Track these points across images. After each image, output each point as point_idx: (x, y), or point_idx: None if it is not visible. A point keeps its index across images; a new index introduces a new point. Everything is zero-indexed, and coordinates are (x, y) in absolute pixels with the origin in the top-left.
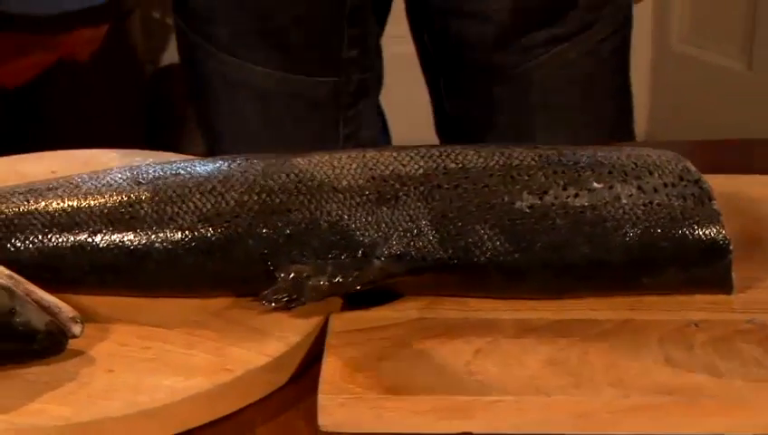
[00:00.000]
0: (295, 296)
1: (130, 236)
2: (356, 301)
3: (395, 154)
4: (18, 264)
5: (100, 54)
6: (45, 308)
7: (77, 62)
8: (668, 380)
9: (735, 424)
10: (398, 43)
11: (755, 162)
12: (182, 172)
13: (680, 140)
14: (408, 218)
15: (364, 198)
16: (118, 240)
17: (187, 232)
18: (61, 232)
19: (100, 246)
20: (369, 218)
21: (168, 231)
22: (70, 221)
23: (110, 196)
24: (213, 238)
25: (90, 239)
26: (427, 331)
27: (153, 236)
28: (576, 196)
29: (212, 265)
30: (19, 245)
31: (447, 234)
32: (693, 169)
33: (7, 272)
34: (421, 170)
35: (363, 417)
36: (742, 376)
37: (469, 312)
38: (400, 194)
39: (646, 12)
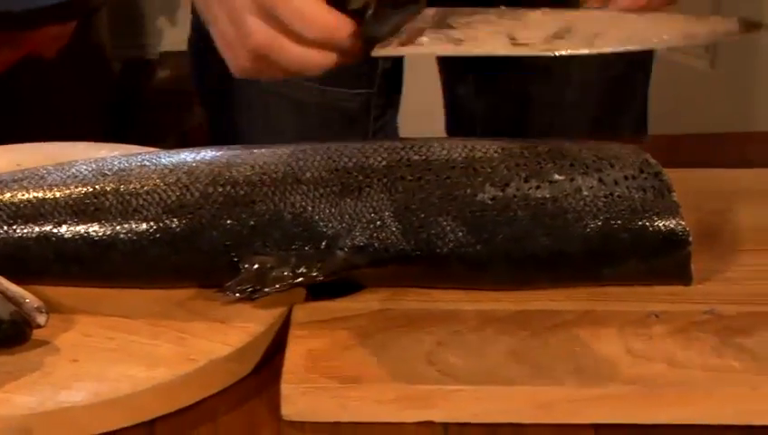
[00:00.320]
0: (258, 287)
1: (95, 227)
2: (320, 292)
3: (359, 146)
4: None
5: (67, 51)
6: (10, 298)
7: (44, 59)
8: (628, 370)
9: (694, 413)
10: None
11: (719, 156)
12: (147, 164)
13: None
14: (371, 210)
15: (328, 189)
16: (83, 231)
17: (151, 223)
18: (26, 223)
19: (65, 236)
20: (333, 210)
21: (132, 222)
22: (35, 212)
23: (76, 187)
24: (177, 230)
25: (55, 230)
26: (390, 321)
27: (118, 228)
28: (537, 188)
29: (176, 256)
30: None
31: (410, 225)
32: (653, 161)
33: None
34: (384, 162)
35: (325, 406)
36: (700, 366)
37: (432, 303)
38: (364, 186)
39: None
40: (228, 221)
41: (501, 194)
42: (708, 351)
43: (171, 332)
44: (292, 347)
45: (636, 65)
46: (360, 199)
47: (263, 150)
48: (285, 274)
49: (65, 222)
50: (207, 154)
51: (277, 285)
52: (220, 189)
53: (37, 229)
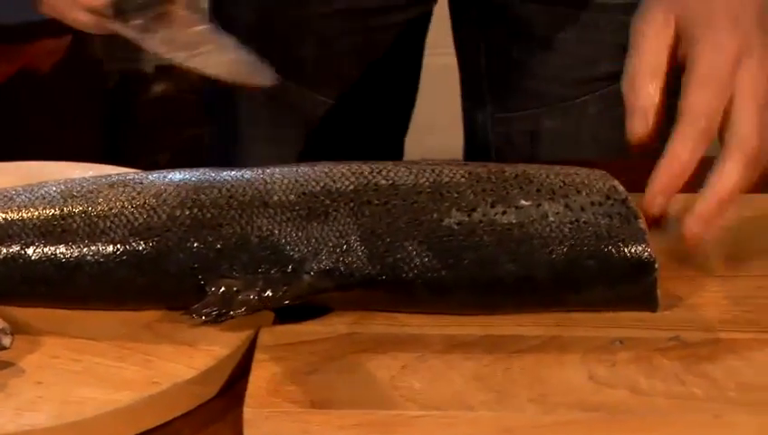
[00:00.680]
0: (224, 310)
1: (62, 248)
2: (288, 315)
3: (326, 170)
4: None
5: (62, 65)
6: None
7: (39, 73)
8: (590, 396)
9: None
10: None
11: None
12: (116, 186)
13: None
14: (337, 234)
15: (294, 213)
16: (50, 253)
17: (118, 245)
18: None
19: (32, 258)
20: (299, 234)
21: (99, 244)
22: (2, 233)
23: (44, 208)
24: (144, 252)
25: (22, 251)
26: (356, 345)
27: (85, 250)
28: (504, 213)
29: (143, 278)
30: None
31: (376, 250)
32: (620, 188)
33: None
34: (352, 186)
35: (288, 431)
36: (663, 393)
37: (398, 327)
38: (330, 210)
39: None
40: (195, 244)
41: (467, 219)
42: (672, 378)
43: (137, 354)
44: (256, 371)
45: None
46: (326, 223)
47: (232, 173)
48: (251, 297)
49: (32, 244)
50: (176, 176)
51: (243, 309)
52: (187, 212)
53: (4, 251)
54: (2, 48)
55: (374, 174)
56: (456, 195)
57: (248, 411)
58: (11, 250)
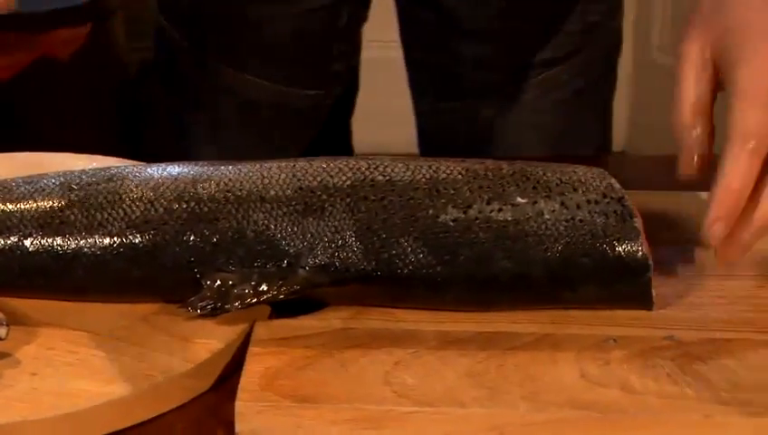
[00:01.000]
0: (220, 304)
1: (60, 240)
2: (284, 309)
3: (324, 165)
4: None
5: (82, 54)
6: None
7: (57, 62)
8: (582, 395)
9: None
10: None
11: None
12: (115, 178)
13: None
14: (333, 229)
15: (291, 208)
16: (47, 244)
17: (115, 238)
18: None
19: (30, 249)
20: (295, 229)
21: (97, 237)
22: (1, 225)
23: (43, 200)
24: (140, 245)
25: (20, 243)
26: (350, 340)
27: (82, 242)
28: (500, 210)
29: (139, 271)
30: None
31: (372, 246)
32: (617, 186)
33: None
34: (349, 182)
35: (280, 425)
36: (655, 392)
37: (394, 323)
38: (327, 205)
39: (626, 22)
40: (192, 238)
41: (463, 216)
42: (664, 377)
43: (133, 347)
44: (250, 365)
45: (594, 84)
46: (322, 219)
47: (229, 168)
48: (247, 291)
49: (30, 235)
50: (174, 170)
51: (237, 303)
52: (184, 206)
53: (2, 242)
54: (20, 37)
55: (371, 170)
56: (452, 191)
57: (240, 405)
58: (9, 241)
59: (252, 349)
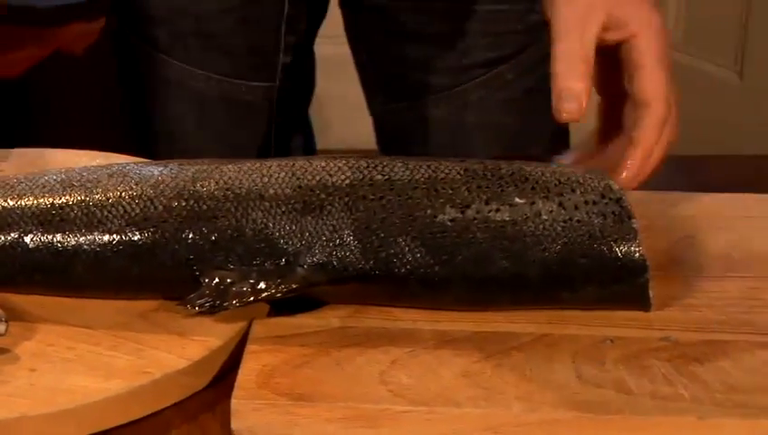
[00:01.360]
0: (219, 302)
1: (59, 237)
2: (282, 307)
3: (323, 164)
4: None
5: (96, 48)
6: None
7: (72, 56)
8: (577, 395)
9: None
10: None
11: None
12: (115, 176)
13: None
14: (331, 228)
15: (290, 206)
16: (47, 241)
17: (114, 235)
18: None
19: (30, 246)
20: (294, 227)
21: (96, 234)
22: (1, 222)
23: (43, 197)
24: (140, 242)
25: (20, 239)
26: (348, 339)
27: (82, 239)
28: (498, 211)
29: (138, 268)
30: None
31: (370, 245)
32: (615, 187)
33: None
34: (348, 181)
35: (275, 423)
36: (650, 394)
37: (391, 322)
38: (325, 204)
39: None
40: (191, 235)
41: (461, 216)
42: (660, 379)
43: (131, 343)
44: (247, 362)
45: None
46: (320, 217)
47: (229, 166)
48: (245, 289)
49: (31, 232)
50: (175, 168)
51: (236, 301)
52: (184, 203)
53: (2, 238)
54: (35, 31)
55: (370, 169)
56: (450, 191)
57: (236, 403)
58: (9, 238)
59: (249, 347)
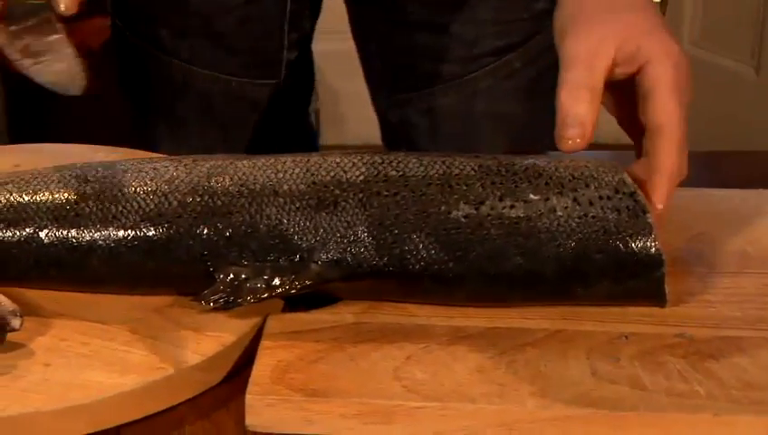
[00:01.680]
0: (233, 298)
1: (74, 232)
2: (297, 303)
3: (338, 160)
4: None
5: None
6: None
7: (90, 51)
8: (591, 392)
9: None
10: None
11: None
12: (130, 171)
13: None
14: (345, 225)
15: (304, 202)
16: (62, 236)
17: (129, 231)
18: (8, 227)
19: (45, 241)
20: (308, 223)
21: (111, 229)
22: (17, 217)
23: (58, 192)
24: (154, 238)
25: (35, 235)
26: (362, 335)
27: (96, 234)
28: (512, 207)
29: (153, 263)
30: None
31: (384, 241)
32: (629, 181)
33: None
34: (362, 177)
35: (290, 418)
36: (665, 390)
37: (406, 317)
38: (339, 200)
39: None
40: (205, 231)
41: (475, 212)
42: (675, 375)
43: (145, 339)
44: (261, 358)
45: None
46: (335, 214)
47: (244, 162)
48: (259, 285)
49: (46, 227)
50: (189, 163)
51: (250, 297)
52: (198, 199)
53: (18, 233)
54: (60, 24)
55: (384, 165)
56: (464, 187)
57: (250, 398)
58: (24, 233)
59: (264, 342)
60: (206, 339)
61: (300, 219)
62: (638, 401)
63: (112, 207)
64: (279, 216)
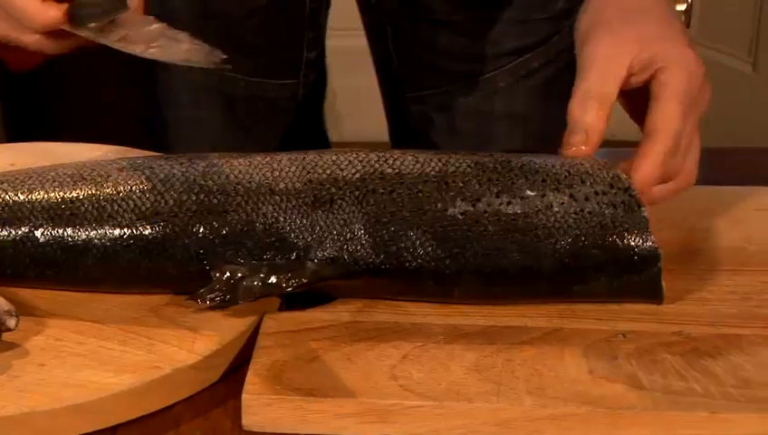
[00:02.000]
0: (229, 296)
1: (70, 232)
2: (294, 301)
3: (334, 158)
4: None
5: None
6: None
7: (90, 48)
8: (588, 390)
9: None
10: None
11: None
12: (126, 170)
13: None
14: (342, 222)
15: (300, 200)
16: (58, 236)
17: (125, 230)
18: (3, 226)
19: (41, 241)
20: (304, 221)
21: (107, 228)
22: (12, 215)
23: (54, 191)
24: (150, 237)
25: (30, 234)
26: (359, 334)
27: (92, 233)
28: (509, 203)
29: (149, 262)
30: None
31: (380, 239)
32: (623, 176)
33: None
34: (358, 175)
35: (286, 418)
36: (662, 388)
37: (402, 316)
38: (336, 198)
39: None
40: (201, 230)
41: (471, 209)
42: (672, 373)
43: (141, 338)
44: (258, 357)
45: (565, 71)
46: (331, 212)
47: (239, 160)
48: (256, 284)
49: (41, 226)
50: (185, 162)
51: (246, 296)
52: (194, 198)
53: (13, 233)
54: None
55: (381, 162)
56: (461, 184)
57: (246, 398)
58: (19, 232)
59: (260, 341)
60: (203, 338)
61: (296, 217)
62: (636, 399)
63: (108, 205)
64: (275, 214)
